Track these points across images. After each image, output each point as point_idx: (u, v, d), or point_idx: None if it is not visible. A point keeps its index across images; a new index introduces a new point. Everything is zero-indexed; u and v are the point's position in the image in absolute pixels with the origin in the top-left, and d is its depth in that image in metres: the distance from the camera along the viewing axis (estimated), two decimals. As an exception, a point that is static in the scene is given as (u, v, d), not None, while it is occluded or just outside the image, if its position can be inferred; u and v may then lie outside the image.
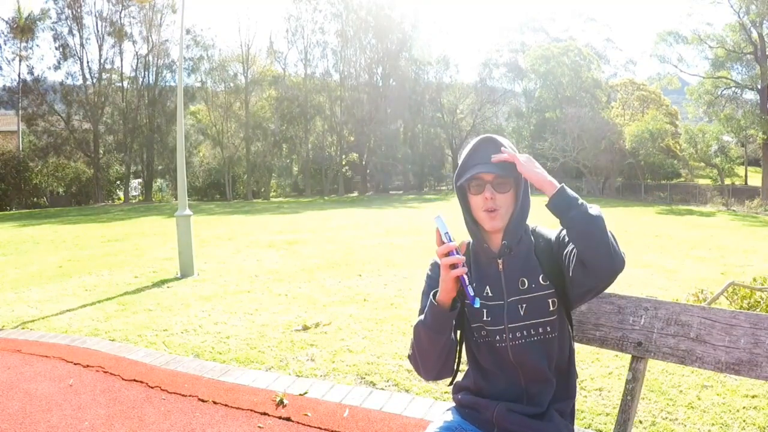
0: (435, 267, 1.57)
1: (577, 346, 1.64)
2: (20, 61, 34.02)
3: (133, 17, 36.25)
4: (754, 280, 4.73)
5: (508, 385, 1.49)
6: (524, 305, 1.46)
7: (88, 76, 35.65)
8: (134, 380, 3.50)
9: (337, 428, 2.80)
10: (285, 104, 40.68)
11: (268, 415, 2.96)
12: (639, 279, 6.88)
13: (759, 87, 31.27)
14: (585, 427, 2.73)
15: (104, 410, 3.06)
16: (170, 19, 36.94)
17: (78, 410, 3.06)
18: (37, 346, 4.30)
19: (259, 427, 2.84)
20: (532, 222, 1.57)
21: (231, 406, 3.08)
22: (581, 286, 1.38)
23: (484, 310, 1.48)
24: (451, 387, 1.63)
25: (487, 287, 1.50)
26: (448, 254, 1.34)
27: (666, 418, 2.84)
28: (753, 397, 3.04)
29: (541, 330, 1.46)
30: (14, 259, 9.47)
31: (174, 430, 2.82)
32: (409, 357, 1.53)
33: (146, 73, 37.21)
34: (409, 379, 3.43)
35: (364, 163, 43.22)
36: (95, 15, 35.34)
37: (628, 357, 1.73)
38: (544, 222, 1.61)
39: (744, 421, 2.78)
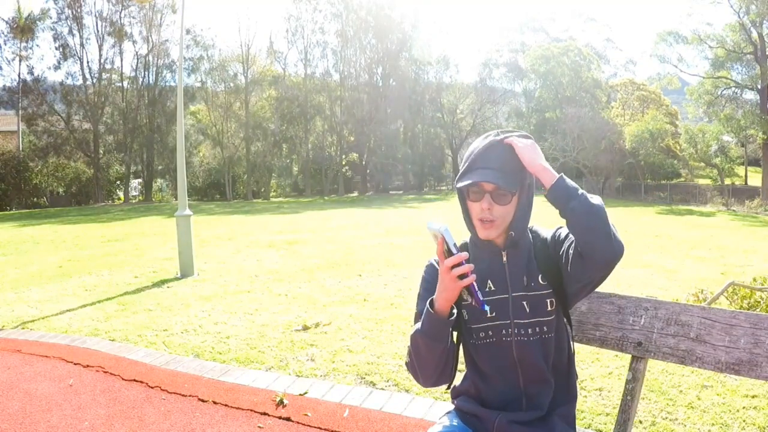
0: (430, 269, 1.54)
1: (577, 346, 1.64)
2: (20, 61, 34.06)
3: (133, 17, 36.31)
4: (754, 280, 4.73)
5: (507, 388, 1.48)
6: (527, 302, 1.45)
7: (88, 76, 35.71)
8: (134, 380, 3.50)
9: (337, 428, 2.80)
10: (285, 104, 40.70)
11: (268, 415, 2.96)
12: (639, 279, 6.88)
13: (759, 87, 31.27)
14: (585, 427, 2.73)
15: (104, 410, 3.06)
16: (170, 19, 37.02)
17: (78, 410, 3.06)
18: (37, 346, 4.30)
19: (259, 427, 2.84)
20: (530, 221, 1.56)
21: (231, 406, 3.08)
22: (579, 281, 1.38)
23: (488, 306, 1.47)
24: (450, 391, 1.62)
25: (490, 281, 1.48)
26: (457, 265, 1.28)
27: (666, 418, 2.84)
28: (753, 397, 3.04)
29: (538, 329, 1.46)
30: (14, 259, 9.48)
31: (174, 430, 2.82)
32: (407, 365, 1.51)
33: (146, 73, 37.25)
34: (409, 379, 3.43)
35: (364, 163, 43.23)
36: (95, 15, 35.40)
37: (628, 357, 1.73)
38: (544, 222, 1.60)
39: (744, 421, 2.78)
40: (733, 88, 32.93)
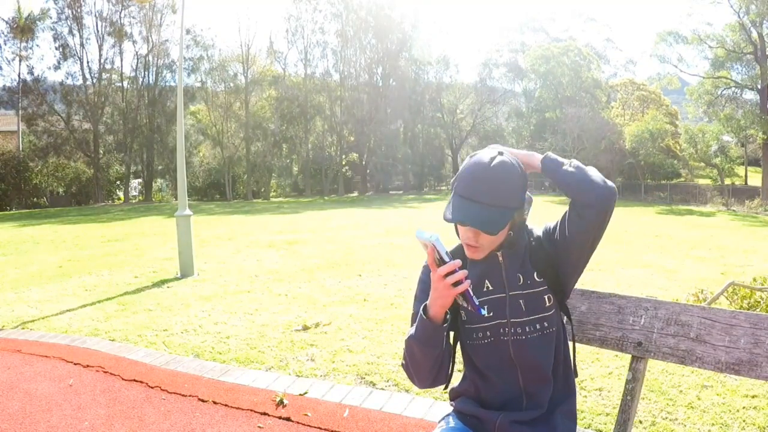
0: (427, 270, 1.54)
1: (577, 346, 1.64)
2: (20, 61, 34.07)
3: (133, 17, 36.33)
4: (754, 280, 4.73)
5: (507, 387, 1.48)
6: (523, 301, 1.46)
7: (88, 76, 35.73)
8: (134, 380, 3.50)
9: (337, 428, 2.80)
10: (285, 104, 40.71)
11: (268, 415, 2.96)
12: (639, 279, 6.88)
13: (759, 87, 31.29)
14: (585, 427, 2.73)
15: (104, 410, 3.06)
16: (170, 19, 37.05)
17: (78, 410, 3.06)
18: (37, 346, 4.30)
19: (259, 427, 2.84)
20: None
21: (231, 406, 3.08)
22: (578, 243, 1.41)
23: (485, 306, 1.47)
24: (448, 392, 1.62)
25: (486, 281, 1.49)
26: (451, 273, 1.27)
27: (666, 418, 2.84)
28: (753, 397, 3.04)
29: (538, 326, 1.46)
30: (14, 259, 9.47)
31: (174, 430, 2.82)
32: (403, 366, 1.51)
33: (146, 73, 37.28)
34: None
35: (364, 163, 43.23)
36: (95, 15, 35.42)
37: (628, 357, 1.73)
38: (543, 222, 1.60)
39: (744, 421, 2.78)
40: (733, 88, 32.95)
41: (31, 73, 34.39)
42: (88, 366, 3.77)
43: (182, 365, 3.78)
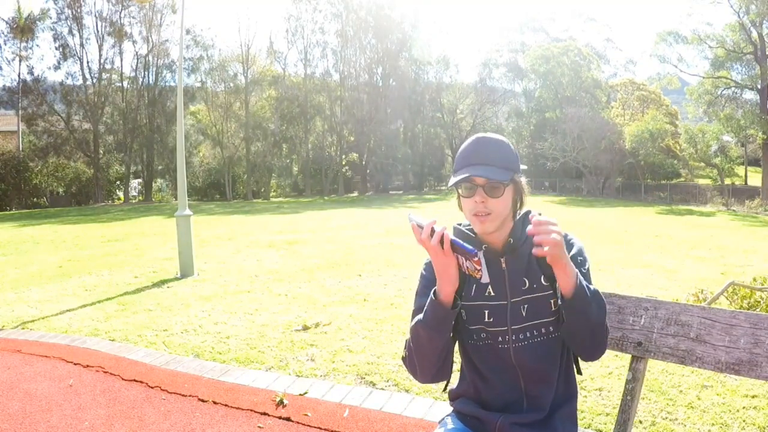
0: (429, 266, 1.54)
1: (577, 346, 1.64)
2: (20, 61, 34.08)
3: (133, 17, 36.35)
4: (754, 280, 4.73)
5: (507, 389, 1.48)
6: (526, 306, 1.45)
7: (88, 76, 35.74)
8: (134, 380, 3.50)
9: (337, 428, 2.80)
10: (285, 104, 40.72)
11: (268, 415, 2.96)
12: (639, 279, 6.88)
13: (759, 87, 31.28)
14: (585, 427, 2.73)
15: (104, 410, 3.06)
16: (170, 19, 37.06)
17: (78, 410, 3.06)
18: (37, 346, 4.30)
19: (259, 427, 2.84)
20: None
21: (231, 406, 3.08)
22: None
23: (486, 311, 1.46)
24: (448, 392, 1.61)
25: (489, 287, 1.48)
26: (431, 235, 1.30)
27: (666, 418, 2.84)
28: (753, 397, 3.04)
29: (543, 330, 1.45)
30: (14, 259, 9.48)
31: (174, 430, 2.82)
32: (404, 359, 1.50)
33: (146, 73, 37.29)
34: (409, 379, 3.42)
35: (364, 163, 43.24)
36: (95, 15, 35.44)
37: (628, 357, 1.73)
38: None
39: (744, 421, 2.78)
40: (733, 88, 32.94)
41: (31, 73, 34.44)
42: (88, 366, 3.77)
43: (182, 365, 3.78)
